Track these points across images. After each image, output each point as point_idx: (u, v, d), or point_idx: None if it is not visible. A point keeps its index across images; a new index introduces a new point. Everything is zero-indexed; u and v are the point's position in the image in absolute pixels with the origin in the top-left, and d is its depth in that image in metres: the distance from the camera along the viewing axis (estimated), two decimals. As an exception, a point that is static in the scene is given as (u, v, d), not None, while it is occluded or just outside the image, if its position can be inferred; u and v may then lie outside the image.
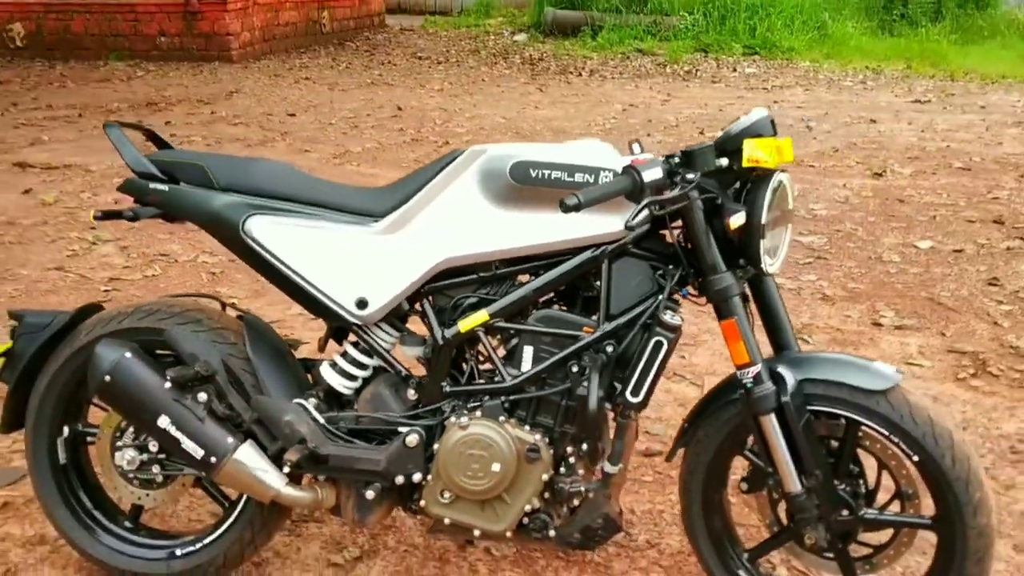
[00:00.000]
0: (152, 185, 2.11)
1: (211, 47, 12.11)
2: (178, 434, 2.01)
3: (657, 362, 1.91)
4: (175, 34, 12.19)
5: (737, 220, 1.84)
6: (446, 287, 2.05)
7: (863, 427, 1.93)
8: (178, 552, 2.22)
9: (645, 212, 1.81)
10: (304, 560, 2.37)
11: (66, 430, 2.23)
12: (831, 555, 2.04)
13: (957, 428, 1.91)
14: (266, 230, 2.04)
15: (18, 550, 2.39)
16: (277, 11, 13.29)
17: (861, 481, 2.03)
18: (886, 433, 1.89)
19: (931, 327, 3.90)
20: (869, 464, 2.00)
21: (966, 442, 1.90)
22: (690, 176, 1.82)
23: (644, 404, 1.94)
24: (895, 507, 2.01)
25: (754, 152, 1.86)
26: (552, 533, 2.04)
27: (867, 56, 13.02)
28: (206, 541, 2.21)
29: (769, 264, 1.93)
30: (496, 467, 1.97)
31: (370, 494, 2.05)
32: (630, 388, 1.92)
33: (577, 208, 1.73)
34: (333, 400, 2.16)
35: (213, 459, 2.02)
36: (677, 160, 1.87)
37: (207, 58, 12.07)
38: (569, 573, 2.34)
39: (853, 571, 2.02)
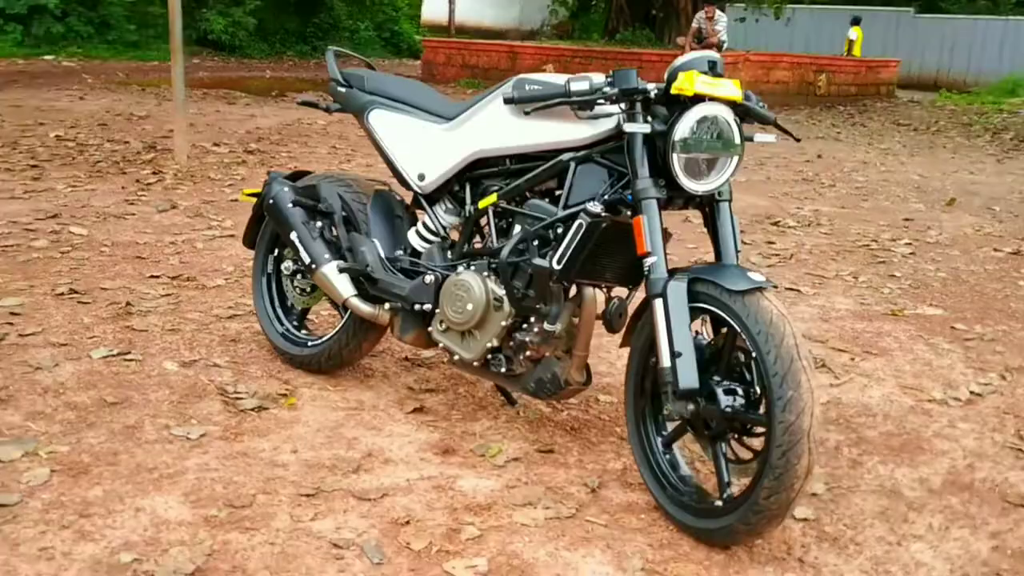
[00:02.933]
0: (339, 88, 3.11)
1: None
2: (299, 244, 2.98)
3: (577, 239, 2.39)
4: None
5: (633, 128, 2.27)
6: (479, 176, 2.74)
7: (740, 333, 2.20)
8: (309, 343, 3.18)
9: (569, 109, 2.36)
10: (396, 383, 3.18)
11: (276, 251, 3.32)
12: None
13: (793, 335, 2.09)
14: (378, 119, 2.93)
15: (248, 334, 3.54)
16: (769, 69, 14.06)
17: (750, 390, 2.26)
18: (737, 329, 2.16)
19: None
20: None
21: (796, 347, 2.08)
22: (607, 90, 2.30)
23: (564, 273, 2.43)
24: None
25: (680, 83, 2.28)
26: (504, 370, 2.62)
27: None
28: (323, 339, 3.14)
29: (687, 181, 2.30)
30: (470, 307, 2.61)
31: (387, 305, 2.83)
32: (556, 257, 2.43)
33: (512, 101, 2.38)
34: (415, 255, 2.95)
35: (313, 265, 2.94)
36: (608, 80, 2.35)
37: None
38: (563, 439, 2.82)
39: (719, 465, 2.28)
